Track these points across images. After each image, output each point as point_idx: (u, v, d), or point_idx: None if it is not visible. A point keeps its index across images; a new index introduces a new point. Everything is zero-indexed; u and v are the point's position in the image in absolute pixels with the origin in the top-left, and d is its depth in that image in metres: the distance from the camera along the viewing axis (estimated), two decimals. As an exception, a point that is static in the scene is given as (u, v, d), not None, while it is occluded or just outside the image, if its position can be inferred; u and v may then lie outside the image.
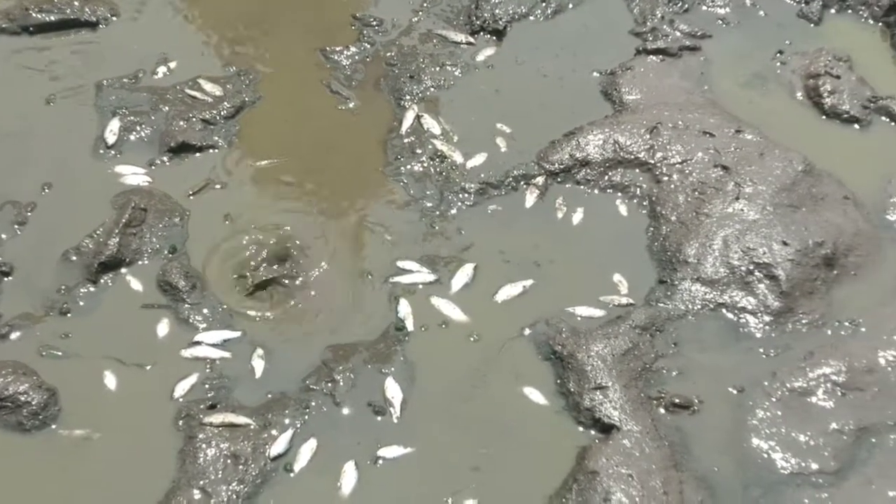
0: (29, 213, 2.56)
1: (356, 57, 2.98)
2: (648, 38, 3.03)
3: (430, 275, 2.51)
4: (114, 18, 3.03)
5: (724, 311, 2.44)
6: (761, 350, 2.38)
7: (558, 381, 2.33)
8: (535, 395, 2.32)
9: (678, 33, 3.03)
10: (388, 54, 2.98)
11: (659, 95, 2.87)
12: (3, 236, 2.51)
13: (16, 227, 2.53)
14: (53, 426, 2.24)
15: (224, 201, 2.63)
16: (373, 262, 2.54)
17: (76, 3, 3.01)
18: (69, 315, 2.40)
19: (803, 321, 2.43)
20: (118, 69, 2.89)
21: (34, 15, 2.97)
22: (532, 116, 2.84)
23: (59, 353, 2.34)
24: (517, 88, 2.92)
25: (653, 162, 2.69)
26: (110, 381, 2.30)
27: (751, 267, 2.47)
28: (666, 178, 2.66)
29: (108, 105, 2.80)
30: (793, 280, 2.45)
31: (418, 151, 2.74)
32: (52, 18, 2.98)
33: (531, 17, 3.09)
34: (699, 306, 2.44)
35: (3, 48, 2.93)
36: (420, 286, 2.49)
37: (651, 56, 2.99)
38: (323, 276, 2.50)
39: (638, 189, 2.68)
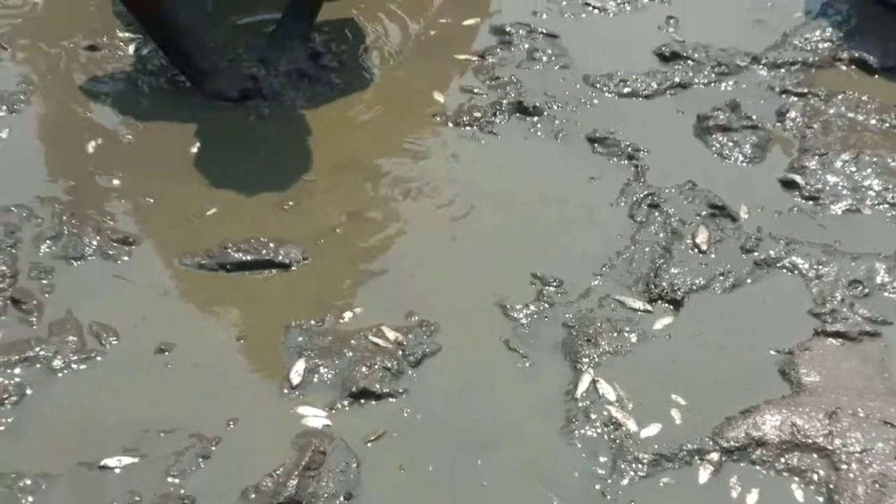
0: (213, 448, 2.63)
1: (535, 315, 3.03)
2: (827, 319, 3.03)
3: (601, 545, 2.50)
4: (305, 262, 3.14)
5: None
6: None
7: None
8: None
9: (858, 317, 3.03)
10: (567, 315, 3.03)
11: (837, 379, 2.86)
12: (188, 468, 2.58)
13: (200, 459, 2.60)
14: None
15: (400, 452, 2.67)
16: (543, 527, 2.53)
17: (272, 245, 3.14)
18: (244, 554, 2.44)
19: None
20: (306, 311, 2.99)
21: (232, 254, 3.11)
22: (708, 390, 2.84)
23: None
24: (693, 360, 2.93)
25: (831, 448, 2.66)
26: None
27: (934, 569, 2.41)
28: (844, 467, 2.62)
29: (295, 346, 2.89)
30: (979, 587, 2.37)
31: (592, 416, 2.76)
32: (249, 258, 3.11)
33: (709, 290, 3.12)
34: None
35: (202, 284, 3.07)
36: (591, 555, 2.48)
37: (830, 338, 2.98)
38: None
39: (815, 475, 2.64)
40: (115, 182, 3.37)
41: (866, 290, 3.11)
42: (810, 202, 3.41)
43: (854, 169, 3.49)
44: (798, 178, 3.46)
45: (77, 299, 2.98)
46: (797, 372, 2.88)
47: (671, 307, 3.07)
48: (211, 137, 3.55)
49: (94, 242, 3.13)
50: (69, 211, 3.22)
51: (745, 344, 2.97)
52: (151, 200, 3.30)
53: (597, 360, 2.90)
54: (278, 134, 3.59)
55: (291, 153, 3.53)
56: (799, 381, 2.86)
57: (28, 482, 2.53)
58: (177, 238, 3.19)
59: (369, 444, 2.67)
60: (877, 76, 3.99)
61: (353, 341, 2.91)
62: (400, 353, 2.89)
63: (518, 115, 3.74)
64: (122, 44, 3.96)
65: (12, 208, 3.21)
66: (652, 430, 2.73)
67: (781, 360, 2.93)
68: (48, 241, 3.12)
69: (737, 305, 3.09)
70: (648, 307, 3.07)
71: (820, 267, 3.17)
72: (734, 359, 2.94)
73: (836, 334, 2.99)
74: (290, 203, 3.33)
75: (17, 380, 2.74)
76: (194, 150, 3.50)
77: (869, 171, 3.49)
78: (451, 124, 3.69)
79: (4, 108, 3.62)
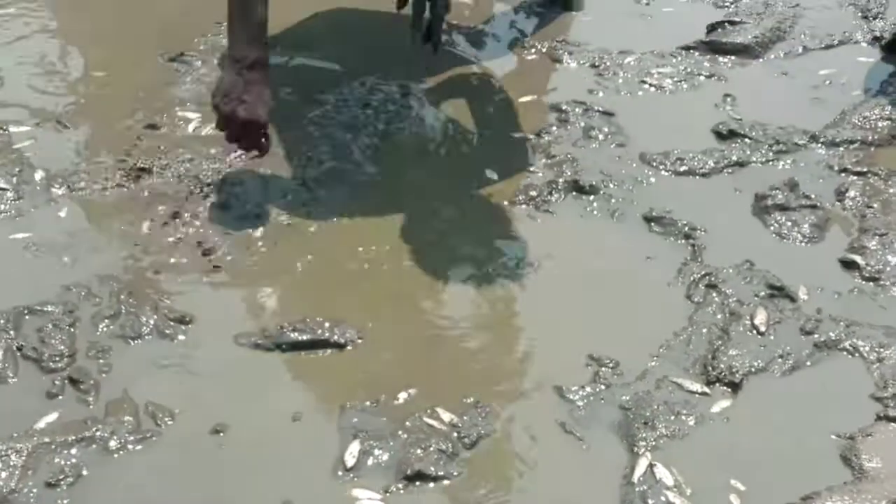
0: (267, 530, 2.62)
1: (591, 397, 3.00)
2: (889, 403, 2.97)
3: None
4: (360, 341, 3.14)
5: None
6: None
7: None
8: None
9: (922, 402, 2.98)
10: (624, 398, 2.99)
11: (901, 466, 2.81)
12: (242, 552, 2.58)
13: (253, 541, 2.60)
14: None
15: (455, 536, 2.65)
16: None
17: (327, 325, 3.14)
18: None
19: None
20: (361, 392, 2.98)
21: (288, 333, 3.12)
22: (767, 475, 2.79)
23: None
24: (752, 444, 2.88)
25: (895, 537, 2.62)
26: None
27: None
28: (909, 557, 2.58)
29: (350, 427, 2.87)
30: None
31: (650, 502, 2.71)
32: (304, 338, 3.11)
33: (768, 372, 3.07)
34: None
35: (258, 364, 3.07)
36: None
37: (892, 423, 2.92)
38: None
39: (879, 565, 2.59)
40: (172, 261, 3.39)
41: (932, 370, 3.06)
42: (871, 283, 3.37)
43: (915, 249, 3.46)
44: (858, 259, 3.43)
45: (133, 379, 2.99)
46: (859, 457, 2.82)
47: (729, 390, 3.03)
48: (265, 219, 3.56)
49: (151, 321, 3.15)
50: (127, 290, 3.25)
51: (805, 428, 2.92)
52: (207, 279, 3.32)
53: (654, 443, 2.86)
54: (328, 215, 3.60)
55: (345, 234, 3.54)
56: (861, 466, 2.80)
57: (82, 564, 2.54)
58: (233, 317, 3.21)
59: (423, 528, 2.65)
60: (937, 155, 3.96)
61: (407, 423, 2.89)
62: (455, 435, 2.87)
63: (574, 193, 3.74)
64: (181, 123, 4.02)
65: (71, 287, 3.24)
66: (711, 517, 2.69)
67: (843, 445, 2.87)
68: (106, 320, 3.14)
69: (796, 388, 3.05)
70: (706, 390, 3.03)
71: (881, 350, 3.12)
72: (794, 443, 2.88)
73: (899, 420, 2.94)
74: (345, 283, 3.34)
75: (74, 461, 2.75)
76: (249, 231, 3.52)
77: (930, 251, 3.45)
78: (506, 202, 3.70)
79: (65, 187, 3.67)
